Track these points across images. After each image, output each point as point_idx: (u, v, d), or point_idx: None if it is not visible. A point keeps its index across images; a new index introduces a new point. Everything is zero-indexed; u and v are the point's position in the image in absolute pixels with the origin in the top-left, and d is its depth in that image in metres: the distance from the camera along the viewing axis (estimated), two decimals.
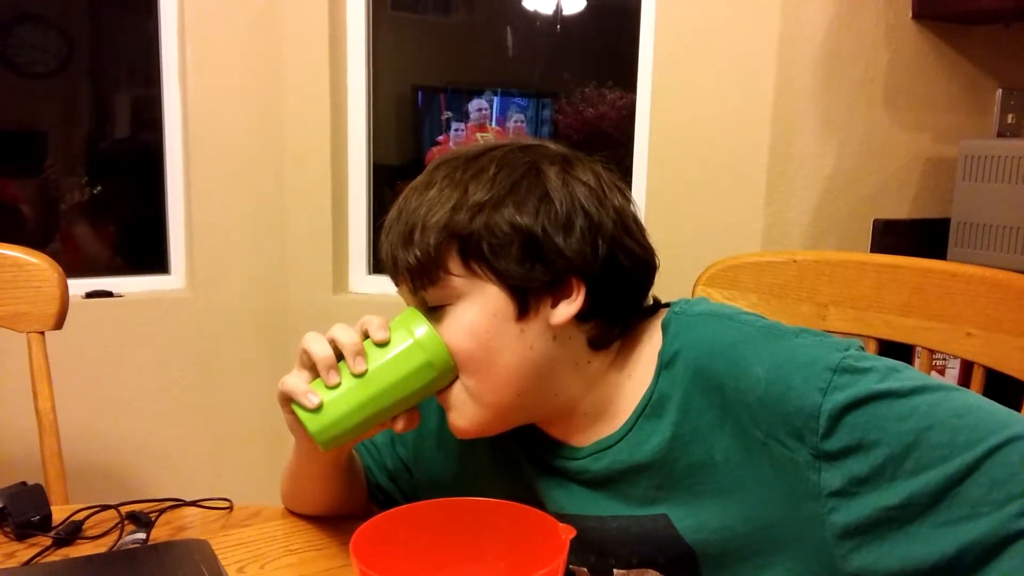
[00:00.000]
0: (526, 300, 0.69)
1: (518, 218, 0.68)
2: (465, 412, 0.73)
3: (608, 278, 0.71)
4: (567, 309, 0.70)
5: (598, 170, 0.73)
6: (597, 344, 0.73)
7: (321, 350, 0.72)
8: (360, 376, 0.71)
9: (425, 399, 0.74)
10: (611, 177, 0.74)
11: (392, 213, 0.73)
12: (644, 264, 0.74)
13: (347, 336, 0.72)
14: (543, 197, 0.69)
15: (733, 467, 0.67)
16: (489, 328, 0.69)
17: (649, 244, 0.75)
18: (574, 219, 0.69)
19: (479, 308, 0.69)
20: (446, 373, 0.72)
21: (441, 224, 0.68)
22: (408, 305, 0.75)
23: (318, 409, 0.71)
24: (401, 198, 0.73)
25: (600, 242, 0.70)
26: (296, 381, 0.73)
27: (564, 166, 0.71)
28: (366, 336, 0.72)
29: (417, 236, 0.69)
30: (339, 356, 0.72)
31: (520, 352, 0.70)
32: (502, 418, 0.74)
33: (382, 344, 0.71)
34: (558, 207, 0.69)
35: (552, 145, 0.74)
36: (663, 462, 0.70)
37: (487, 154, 0.72)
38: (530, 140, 0.75)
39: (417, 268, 0.69)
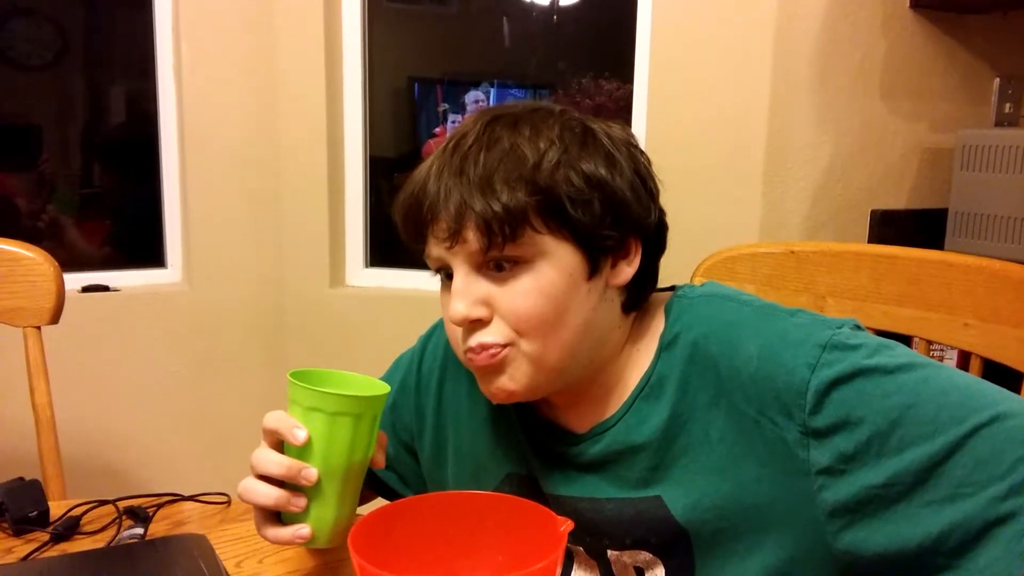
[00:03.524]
0: (597, 260, 0.69)
1: (598, 175, 0.67)
2: (519, 376, 0.69)
3: (655, 241, 0.74)
4: (628, 270, 0.71)
5: (627, 130, 0.73)
6: (627, 307, 0.74)
7: (267, 495, 0.71)
8: (318, 483, 0.70)
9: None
10: (634, 136, 0.74)
11: (441, 168, 0.68)
12: (667, 227, 0.76)
13: (275, 464, 0.70)
14: (608, 156, 0.69)
15: (727, 445, 0.67)
16: (565, 288, 0.68)
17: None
18: (635, 180, 0.70)
19: (556, 267, 0.67)
20: (376, 409, 0.72)
21: (526, 179, 0.65)
22: (437, 263, 0.70)
23: (312, 532, 0.72)
24: (452, 155, 0.68)
25: (653, 204, 0.72)
26: (275, 533, 0.73)
27: (604, 126, 0.71)
28: (280, 445, 0.72)
29: (499, 188, 0.65)
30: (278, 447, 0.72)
31: (584, 313, 0.69)
32: (553, 381, 0.71)
33: (306, 443, 0.70)
34: (623, 167, 0.69)
35: (571, 109, 0.74)
36: (660, 442, 0.71)
37: (536, 113, 0.70)
38: (550, 103, 0.74)
39: (502, 219, 0.65)
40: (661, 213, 0.74)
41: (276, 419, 0.71)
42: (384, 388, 0.74)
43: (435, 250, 0.69)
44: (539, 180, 0.66)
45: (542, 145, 0.67)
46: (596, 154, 0.68)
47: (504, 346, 0.68)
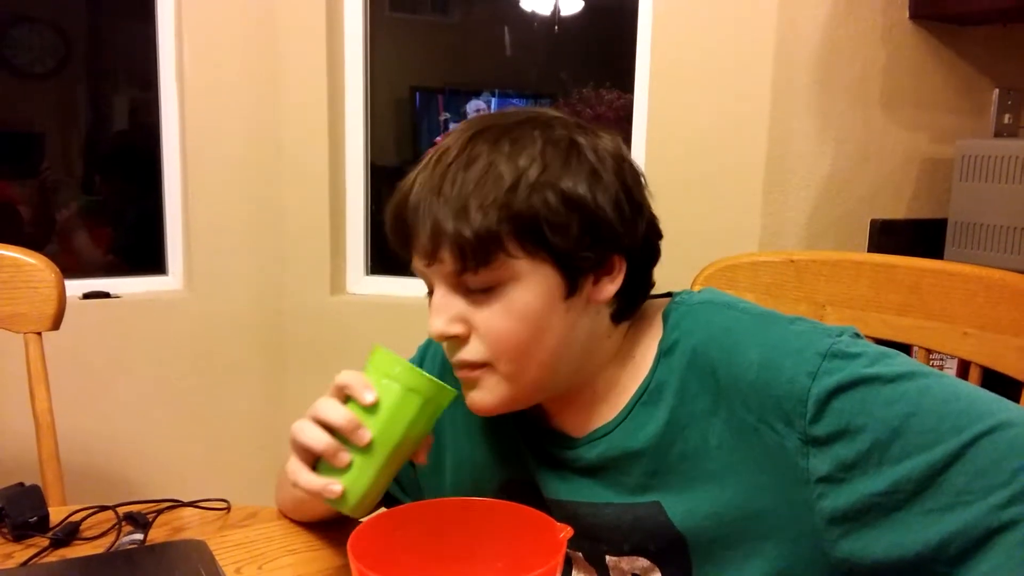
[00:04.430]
0: (576, 279, 0.69)
1: (577, 195, 0.67)
2: (496, 392, 0.70)
3: (643, 255, 0.73)
4: (610, 287, 0.70)
5: (617, 142, 0.73)
6: (618, 318, 0.73)
7: (318, 439, 0.70)
8: (366, 447, 0.69)
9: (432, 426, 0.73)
10: (625, 149, 0.73)
11: (422, 184, 0.68)
12: (660, 236, 0.75)
13: (337, 414, 0.69)
14: (592, 173, 0.68)
15: (726, 452, 0.67)
16: (542, 310, 0.68)
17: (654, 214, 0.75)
18: (620, 196, 0.69)
19: (533, 290, 0.67)
20: (443, 401, 0.72)
21: (501, 203, 0.65)
22: (425, 278, 0.71)
23: (343, 492, 0.70)
24: (433, 170, 0.68)
25: (640, 219, 0.71)
26: (308, 478, 0.71)
27: (593, 139, 0.70)
28: (346, 399, 0.71)
29: (473, 212, 0.65)
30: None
31: (563, 332, 0.69)
32: (532, 394, 0.72)
33: (372, 406, 0.69)
34: (607, 184, 0.68)
35: (567, 116, 0.73)
36: (658, 448, 0.71)
37: (523, 125, 0.69)
38: (548, 111, 0.73)
39: (474, 245, 0.65)
40: (652, 223, 0.74)
41: (350, 376, 0.71)
42: (452, 391, 0.73)
43: (418, 264, 0.70)
44: (514, 204, 0.65)
45: (522, 163, 0.66)
46: (579, 171, 0.68)
47: (481, 365, 0.70)
